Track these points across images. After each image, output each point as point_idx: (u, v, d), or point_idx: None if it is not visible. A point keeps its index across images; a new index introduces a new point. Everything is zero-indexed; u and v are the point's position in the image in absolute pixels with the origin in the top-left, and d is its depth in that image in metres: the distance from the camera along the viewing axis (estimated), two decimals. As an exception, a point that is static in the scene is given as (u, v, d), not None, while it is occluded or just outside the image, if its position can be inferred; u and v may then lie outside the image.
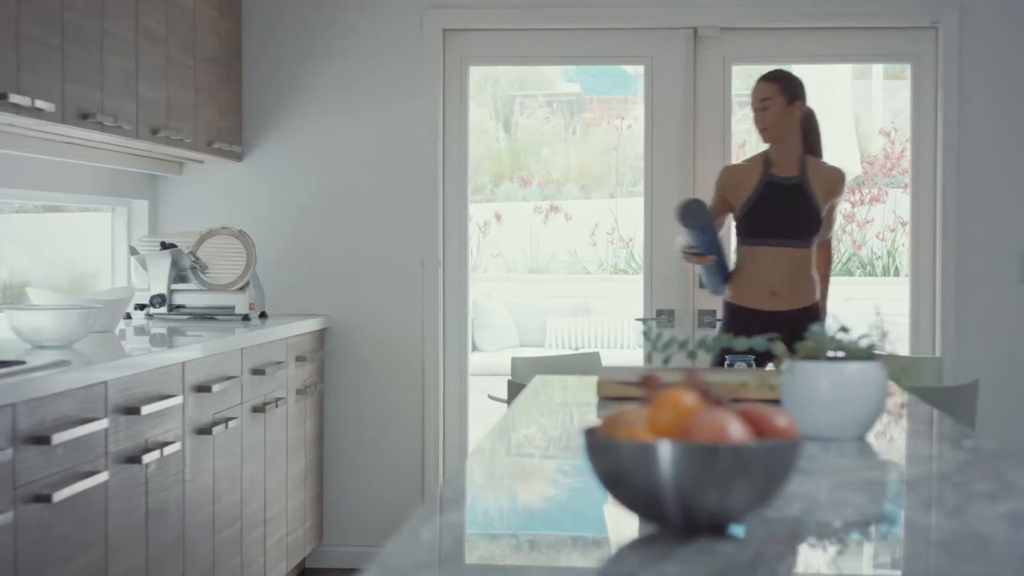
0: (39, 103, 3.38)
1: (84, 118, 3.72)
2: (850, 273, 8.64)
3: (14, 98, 3.25)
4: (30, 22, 3.39)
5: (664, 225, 5.08)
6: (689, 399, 1.43)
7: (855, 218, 8.46)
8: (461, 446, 5.16)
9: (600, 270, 9.27)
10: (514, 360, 4.26)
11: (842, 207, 8.75)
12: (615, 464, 1.43)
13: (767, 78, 4.53)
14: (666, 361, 2.25)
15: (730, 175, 4.56)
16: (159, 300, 4.78)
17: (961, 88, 4.93)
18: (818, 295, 4.55)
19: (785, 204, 4.45)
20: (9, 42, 3.29)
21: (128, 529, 3.37)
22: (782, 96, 4.49)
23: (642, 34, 5.11)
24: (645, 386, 1.53)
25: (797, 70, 7.65)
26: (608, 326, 8.48)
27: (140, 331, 4.42)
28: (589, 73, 10.96)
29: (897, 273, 8.51)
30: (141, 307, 4.81)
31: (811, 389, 2.13)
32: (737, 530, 1.44)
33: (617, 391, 2.53)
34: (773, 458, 1.40)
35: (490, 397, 4.22)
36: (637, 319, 2.02)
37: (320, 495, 5.15)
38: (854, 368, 2.12)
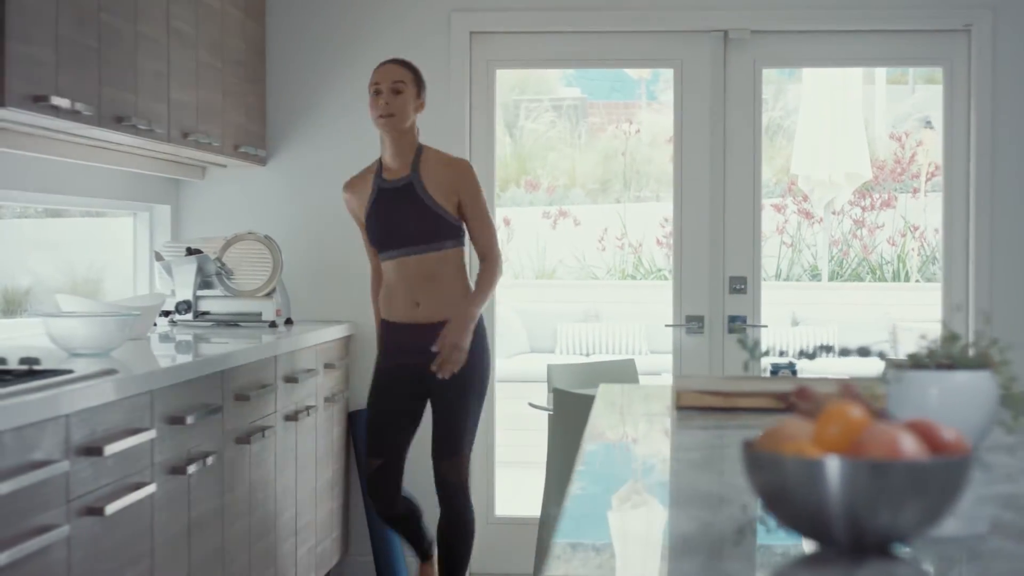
0: (79, 106, 3.30)
1: (119, 121, 3.64)
2: (860, 278, 8.61)
3: (55, 100, 3.18)
4: (68, 23, 3.32)
5: (694, 230, 5.02)
6: (857, 413, 1.37)
7: (865, 223, 8.42)
8: (487, 453, 5.09)
9: (609, 276, 9.21)
10: (550, 367, 4.21)
11: (854, 211, 8.76)
12: (779, 480, 1.37)
13: (400, 62, 4.23)
14: (746, 367, 2.20)
15: (350, 191, 4.29)
16: (185, 307, 4.70)
17: (994, 91, 4.89)
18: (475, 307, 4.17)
19: (396, 209, 4.15)
20: (49, 42, 3.21)
21: (172, 541, 3.29)
22: (414, 85, 4.19)
23: (671, 37, 5.06)
24: (800, 398, 1.47)
25: (821, 73, 7.63)
26: (620, 332, 8.43)
27: (166, 338, 4.34)
28: (588, 77, 10.91)
29: (907, 278, 8.48)
30: (166, 313, 4.73)
31: (919, 399, 2.06)
32: (904, 550, 1.38)
33: (697, 401, 2.47)
34: (948, 474, 1.34)
35: (531, 405, 4.15)
36: (733, 331, 1.95)
37: (347, 504, 5.07)
38: (964, 377, 2.06)
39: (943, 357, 2.11)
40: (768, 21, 4.98)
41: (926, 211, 8.46)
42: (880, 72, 9.01)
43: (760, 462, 1.39)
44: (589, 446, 1.99)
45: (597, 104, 10.56)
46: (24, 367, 2.96)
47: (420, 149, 4.17)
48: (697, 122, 5.04)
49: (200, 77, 4.33)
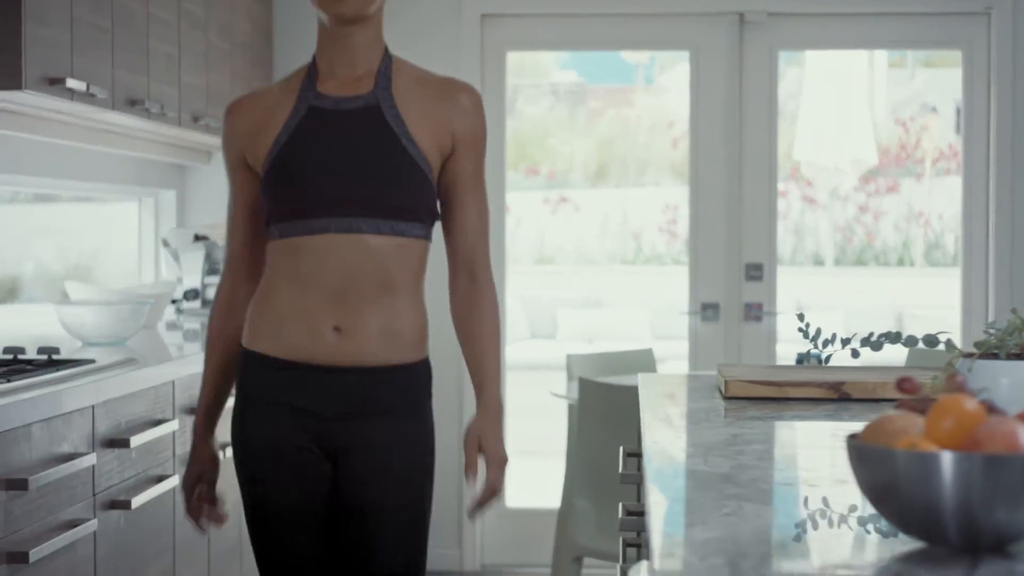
0: (93, 89, 3.21)
1: (132, 105, 3.56)
2: (863, 264, 8.56)
3: (71, 83, 3.09)
4: (83, 3, 3.23)
5: (709, 216, 4.96)
6: (972, 405, 1.30)
7: (869, 209, 8.38)
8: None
9: (609, 262, 9.15)
10: (570, 357, 4.16)
11: (859, 199, 8.69)
12: (889, 475, 1.30)
13: None
14: (826, 360, 2.13)
15: (240, 114, 2.49)
16: (192, 294, 4.61)
17: (1015, 75, 4.83)
18: (421, 355, 2.46)
19: (339, 146, 2.38)
20: (64, 24, 3.12)
21: (193, 535, 3.22)
22: None
23: (686, 20, 4.98)
24: (902, 389, 1.40)
25: (824, 56, 7.56)
26: (622, 319, 8.36)
27: (173, 326, 4.26)
28: (585, 61, 10.83)
29: (911, 264, 8.44)
30: (172, 301, 4.64)
31: (990, 389, 2.00)
32: (1018, 549, 1.31)
33: (747, 391, 2.40)
34: (1072, 471, 1.27)
35: (553, 395, 4.09)
36: (798, 314, 1.90)
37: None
38: (1038, 367, 2.00)
39: (1014, 347, 2.05)
40: (785, 3, 4.91)
41: (931, 197, 8.41)
42: (881, 55, 8.96)
43: (868, 456, 1.32)
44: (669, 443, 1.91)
45: (595, 88, 10.48)
46: (43, 357, 2.88)
47: (389, 57, 2.47)
48: (712, 106, 4.97)
49: (210, 60, 4.25)
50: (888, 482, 1.30)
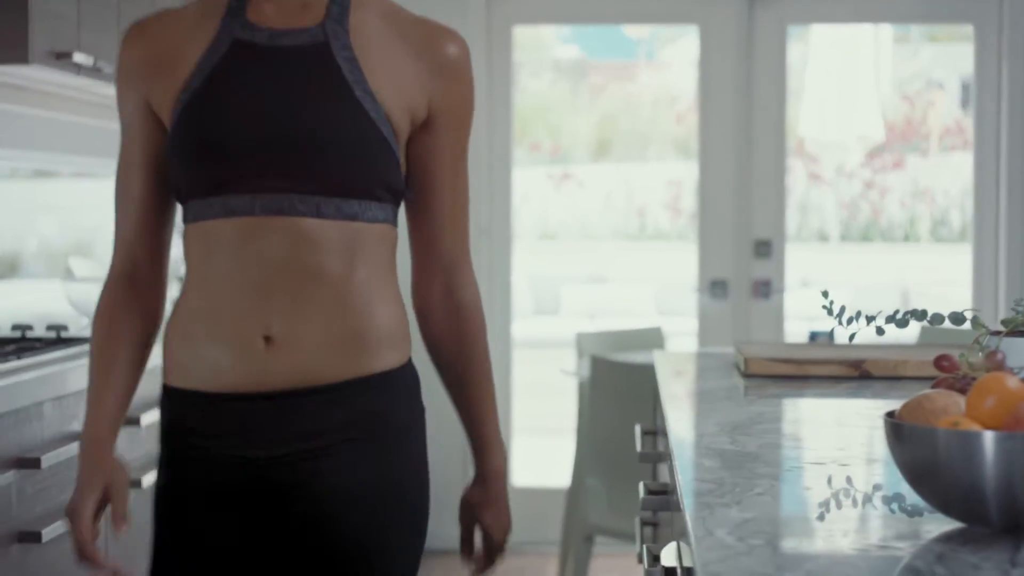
0: (100, 63, 3.17)
1: (138, 79, 3.51)
2: (869, 239, 8.53)
3: (77, 57, 3.05)
4: (89, -24, 3.18)
5: (718, 193, 4.92)
6: (1014, 383, 1.27)
7: (875, 185, 8.34)
8: (504, 421, 4.99)
9: (613, 238, 9.13)
10: (580, 335, 4.14)
11: (865, 175, 8.66)
12: (929, 455, 1.27)
13: None
14: (851, 337, 2.10)
15: (147, 40, 1.86)
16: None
17: (1026, 50, 4.79)
18: (398, 359, 1.85)
19: (274, 97, 1.79)
20: (71, -4, 3.08)
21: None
22: None
23: (695, -7, 4.94)
24: (941, 368, 1.38)
25: (838, 30, 7.52)
26: (626, 295, 8.35)
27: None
28: (587, 36, 10.78)
29: (917, 240, 8.41)
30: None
31: (1018, 367, 1.97)
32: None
33: (767, 369, 2.37)
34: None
35: (563, 372, 4.07)
36: (822, 292, 1.87)
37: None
38: (1068, 344, 1.97)
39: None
40: (794, -23, 4.87)
41: (937, 173, 8.38)
42: (887, 31, 8.91)
43: (907, 435, 1.29)
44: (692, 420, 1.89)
45: (597, 64, 10.44)
46: (52, 334, 2.86)
47: None
48: (721, 81, 4.93)
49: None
50: (928, 461, 1.28)
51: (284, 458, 1.75)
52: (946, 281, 6.72)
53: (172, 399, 1.82)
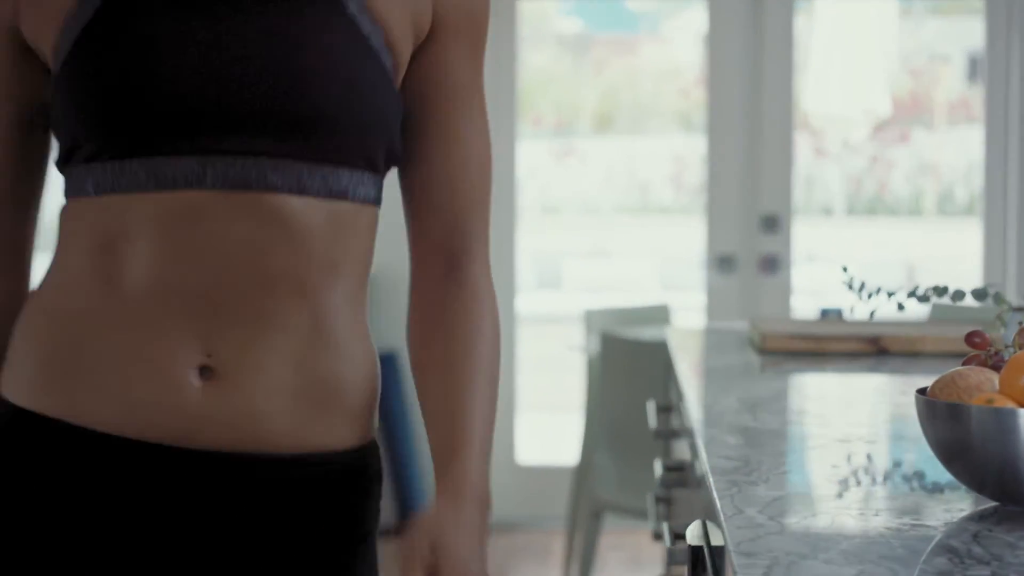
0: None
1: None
2: (874, 212, 8.52)
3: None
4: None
5: (724, 167, 4.89)
6: (1051, 360, 1.25)
7: (880, 159, 8.32)
8: (508, 397, 4.96)
9: (616, 212, 9.11)
10: (589, 312, 4.13)
11: (870, 149, 8.62)
12: (963, 432, 1.25)
13: None
14: (872, 314, 2.08)
15: None
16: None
17: (1037, 22, 4.75)
18: (371, 430, 1.33)
19: (239, 14, 1.22)
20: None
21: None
22: None
23: (702, -35, 4.90)
24: (972, 344, 1.35)
25: (845, 5, 7.48)
26: (628, 269, 8.34)
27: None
28: (589, 9, 10.74)
29: (921, 214, 8.39)
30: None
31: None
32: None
33: (784, 345, 2.35)
34: None
35: (573, 349, 4.06)
36: (842, 267, 1.84)
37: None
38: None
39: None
40: (802, -51, 4.83)
41: (942, 147, 8.36)
42: (891, 3, 8.88)
43: (940, 412, 1.27)
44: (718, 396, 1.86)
45: (600, 37, 10.40)
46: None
47: None
48: (728, 53, 4.89)
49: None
50: (962, 440, 1.26)
51: (201, 553, 1.22)
52: (952, 257, 6.71)
53: (24, 425, 1.22)
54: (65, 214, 1.27)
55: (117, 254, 1.22)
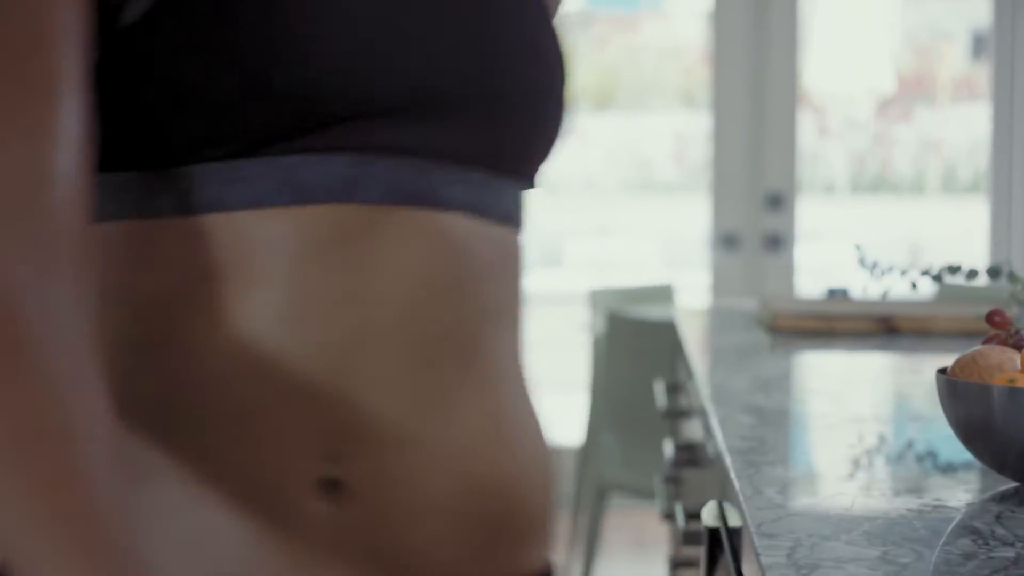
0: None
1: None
2: (877, 190, 8.50)
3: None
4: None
5: (730, 145, 4.87)
6: (1074, 339, 1.23)
7: (884, 137, 8.30)
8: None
9: (617, 190, 9.08)
10: (594, 291, 4.12)
11: (873, 127, 8.59)
12: (984, 412, 1.23)
13: None
14: (885, 295, 2.07)
15: None
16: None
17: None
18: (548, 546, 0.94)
19: None
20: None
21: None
22: None
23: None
24: (993, 323, 1.34)
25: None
26: (630, 247, 8.32)
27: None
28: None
29: (923, 191, 8.37)
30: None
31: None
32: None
33: (794, 324, 2.34)
34: None
35: (578, 328, 4.04)
36: (856, 245, 1.82)
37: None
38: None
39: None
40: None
41: (946, 124, 8.33)
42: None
43: (961, 392, 1.25)
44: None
45: (601, 14, 10.35)
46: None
47: None
48: (734, 32, 4.87)
49: None
50: (983, 419, 1.24)
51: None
52: (956, 235, 6.69)
53: None
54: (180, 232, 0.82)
55: (231, 298, 0.82)
